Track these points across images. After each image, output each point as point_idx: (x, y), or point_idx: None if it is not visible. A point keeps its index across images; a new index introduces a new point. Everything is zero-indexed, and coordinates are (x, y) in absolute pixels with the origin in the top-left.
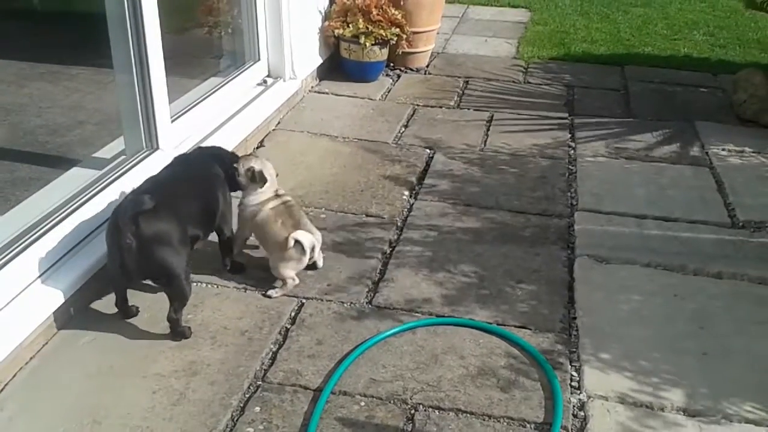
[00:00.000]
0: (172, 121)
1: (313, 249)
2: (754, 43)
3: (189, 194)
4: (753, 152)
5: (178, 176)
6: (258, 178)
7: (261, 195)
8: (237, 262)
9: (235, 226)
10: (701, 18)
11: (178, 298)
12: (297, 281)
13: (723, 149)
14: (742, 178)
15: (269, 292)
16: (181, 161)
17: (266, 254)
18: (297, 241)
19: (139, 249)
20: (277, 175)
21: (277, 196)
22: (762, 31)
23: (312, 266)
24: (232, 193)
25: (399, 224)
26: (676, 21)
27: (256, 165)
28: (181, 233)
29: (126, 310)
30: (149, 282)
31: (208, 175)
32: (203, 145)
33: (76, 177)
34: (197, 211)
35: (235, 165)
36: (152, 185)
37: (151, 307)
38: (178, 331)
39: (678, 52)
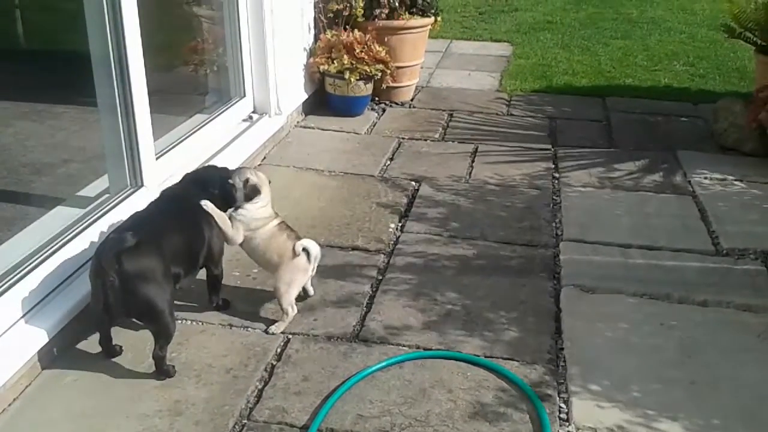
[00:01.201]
0: (157, 158)
1: (316, 258)
2: (734, 73)
3: (172, 230)
4: (735, 180)
5: (162, 212)
6: (253, 191)
7: (264, 210)
8: (224, 300)
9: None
10: (681, 49)
11: (163, 335)
12: (296, 311)
13: (705, 177)
14: (724, 205)
15: (271, 329)
16: (167, 196)
17: (267, 276)
18: (304, 249)
19: (123, 287)
20: (270, 182)
21: (276, 214)
22: (741, 60)
23: (304, 293)
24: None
25: (386, 257)
26: (657, 52)
27: (252, 176)
28: (165, 269)
29: (110, 349)
30: (134, 320)
31: (193, 209)
32: None
33: (60, 216)
34: (181, 247)
35: (230, 181)
36: (134, 222)
37: (134, 345)
38: (163, 370)
39: (659, 83)
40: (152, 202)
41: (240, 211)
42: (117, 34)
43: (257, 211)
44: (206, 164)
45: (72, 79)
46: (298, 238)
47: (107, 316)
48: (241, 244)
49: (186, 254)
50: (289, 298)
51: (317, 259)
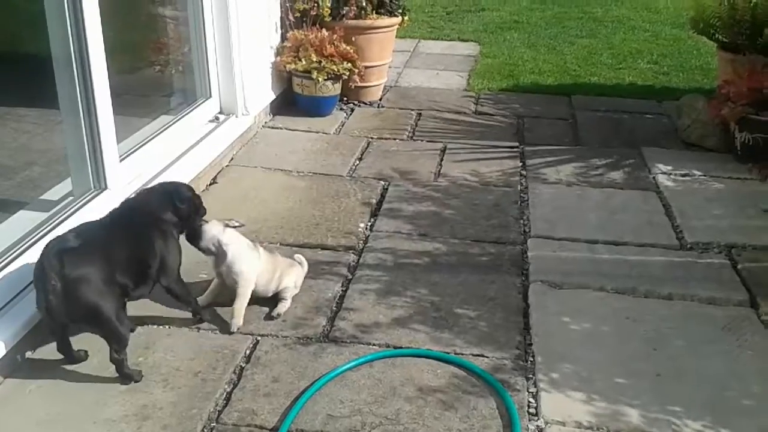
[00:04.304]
0: (121, 160)
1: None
2: (697, 70)
3: (120, 239)
4: (698, 175)
5: (113, 221)
6: (219, 251)
7: (240, 236)
8: (196, 313)
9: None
10: (645, 47)
11: (114, 340)
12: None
13: (669, 173)
14: (688, 200)
15: (277, 311)
16: (124, 207)
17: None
18: (299, 261)
19: (64, 289)
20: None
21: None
22: (704, 57)
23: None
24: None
25: (355, 256)
26: (621, 50)
27: (218, 234)
28: (109, 276)
29: (71, 355)
30: (81, 325)
31: (147, 223)
32: (155, 182)
33: (21, 220)
34: (128, 256)
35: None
36: (81, 228)
37: (101, 350)
38: (124, 373)
39: (623, 81)
40: (108, 213)
41: (225, 239)
42: (78, 35)
43: (241, 236)
44: (172, 165)
45: (35, 81)
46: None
47: (52, 321)
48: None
49: (134, 265)
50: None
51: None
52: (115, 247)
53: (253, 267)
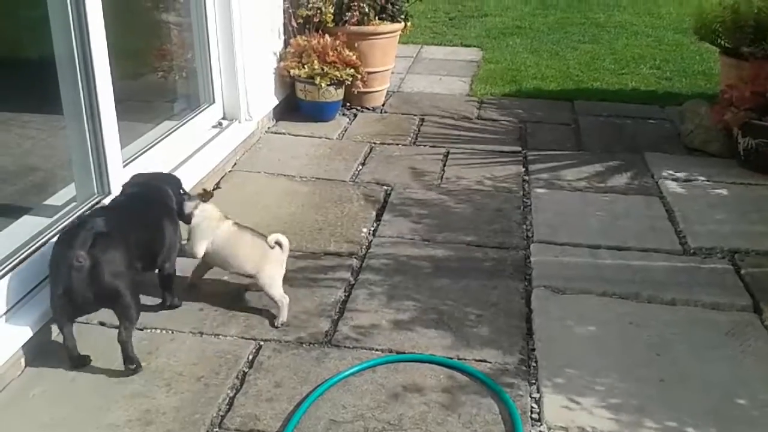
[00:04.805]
0: (125, 166)
1: (287, 249)
2: (700, 75)
3: (139, 225)
4: (701, 180)
5: (131, 208)
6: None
7: (211, 212)
8: (174, 303)
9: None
10: (648, 52)
11: (128, 319)
12: (288, 299)
13: (672, 178)
14: (691, 206)
15: (277, 324)
16: (137, 194)
17: (248, 275)
18: (277, 241)
19: (91, 269)
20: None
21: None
22: (706, 63)
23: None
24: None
25: (358, 261)
26: (624, 56)
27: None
28: (129, 260)
29: (77, 359)
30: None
31: (160, 211)
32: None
33: (25, 225)
34: (145, 242)
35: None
36: (103, 213)
37: (104, 355)
38: (128, 356)
39: (626, 86)
40: (118, 198)
41: (195, 213)
42: (82, 41)
43: (212, 211)
44: (175, 171)
45: (39, 87)
46: (262, 235)
47: (69, 304)
48: (210, 260)
49: (148, 251)
50: (277, 289)
51: (287, 251)
52: (135, 233)
53: (205, 238)
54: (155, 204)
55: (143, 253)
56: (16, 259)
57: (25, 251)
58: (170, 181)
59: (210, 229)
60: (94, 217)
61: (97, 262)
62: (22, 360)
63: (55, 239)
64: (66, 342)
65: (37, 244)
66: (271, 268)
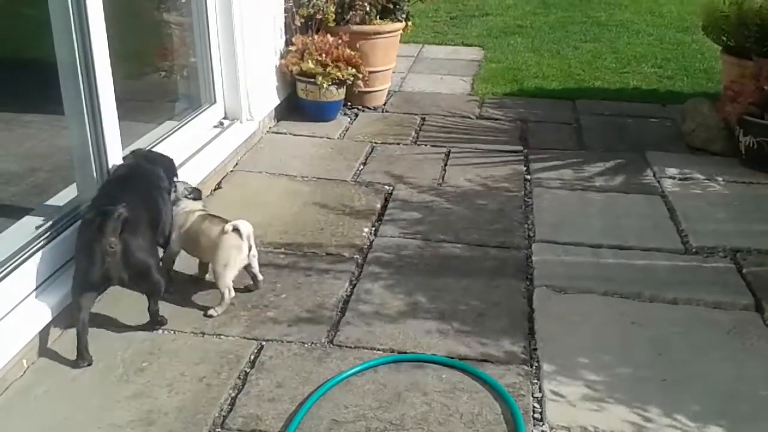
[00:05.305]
0: None
1: (249, 237)
2: (701, 74)
3: (153, 210)
4: (703, 179)
5: (144, 191)
6: (196, 195)
7: (190, 204)
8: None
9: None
10: (649, 51)
11: (156, 293)
12: (234, 294)
13: (674, 177)
14: (693, 205)
15: (210, 312)
16: (145, 178)
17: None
18: (234, 228)
19: (123, 251)
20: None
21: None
22: (708, 61)
23: (254, 281)
24: None
25: (359, 261)
26: (625, 55)
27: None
28: (152, 239)
29: (84, 348)
30: (130, 282)
31: (156, 189)
32: None
33: (26, 227)
34: (157, 224)
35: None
36: (122, 197)
37: (106, 355)
38: (157, 320)
39: (627, 85)
40: (119, 178)
41: (178, 204)
42: (83, 41)
43: (188, 203)
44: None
45: (40, 87)
46: (224, 221)
47: (102, 283)
48: (188, 251)
49: (159, 231)
50: (225, 280)
51: (251, 237)
52: (149, 214)
53: (176, 228)
54: (160, 186)
55: (158, 233)
56: (19, 259)
57: (25, 253)
58: (166, 163)
59: (181, 219)
60: (111, 197)
61: (128, 246)
62: (24, 361)
63: (79, 228)
64: (80, 331)
65: (38, 246)
66: (225, 256)
